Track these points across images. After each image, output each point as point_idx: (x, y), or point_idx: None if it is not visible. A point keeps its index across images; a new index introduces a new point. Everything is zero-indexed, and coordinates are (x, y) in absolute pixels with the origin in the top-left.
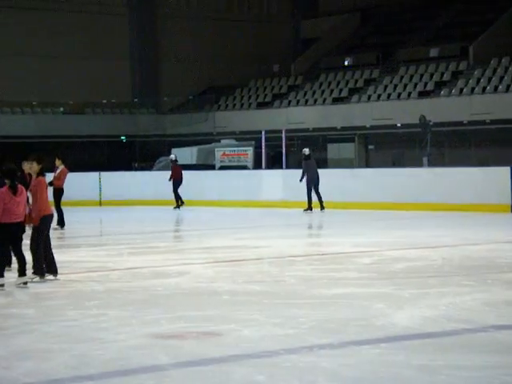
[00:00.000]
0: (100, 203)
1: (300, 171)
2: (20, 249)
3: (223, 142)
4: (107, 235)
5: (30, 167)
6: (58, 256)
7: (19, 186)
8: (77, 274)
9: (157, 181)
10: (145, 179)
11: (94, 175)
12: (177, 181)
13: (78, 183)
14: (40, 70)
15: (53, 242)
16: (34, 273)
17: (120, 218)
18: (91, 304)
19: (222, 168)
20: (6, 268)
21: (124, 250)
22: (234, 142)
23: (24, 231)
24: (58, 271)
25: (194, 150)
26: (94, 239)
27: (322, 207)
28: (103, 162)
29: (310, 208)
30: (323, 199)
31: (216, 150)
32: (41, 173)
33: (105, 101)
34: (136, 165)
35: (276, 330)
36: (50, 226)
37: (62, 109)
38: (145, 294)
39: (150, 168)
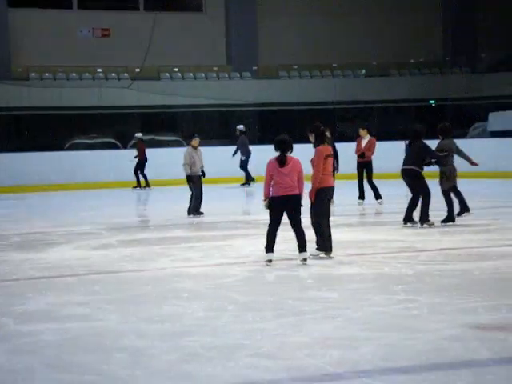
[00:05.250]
0: None
1: None
2: (297, 223)
3: None
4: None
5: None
6: (362, 235)
7: (289, 157)
8: (383, 255)
9: (472, 150)
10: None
11: (399, 144)
12: (142, 161)
13: (382, 153)
14: (339, 28)
15: (359, 219)
16: (317, 249)
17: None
18: (399, 288)
19: None
20: None
21: (434, 229)
22: None
23: (301, 204)
24: (362, 251)
25: None
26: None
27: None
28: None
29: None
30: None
31: None
32: (319, 142)
33: (412, 60)
34: None
35: None
36: (327, 200)
37: (363, 71)
38: (459, 279)
39: (463, 136)
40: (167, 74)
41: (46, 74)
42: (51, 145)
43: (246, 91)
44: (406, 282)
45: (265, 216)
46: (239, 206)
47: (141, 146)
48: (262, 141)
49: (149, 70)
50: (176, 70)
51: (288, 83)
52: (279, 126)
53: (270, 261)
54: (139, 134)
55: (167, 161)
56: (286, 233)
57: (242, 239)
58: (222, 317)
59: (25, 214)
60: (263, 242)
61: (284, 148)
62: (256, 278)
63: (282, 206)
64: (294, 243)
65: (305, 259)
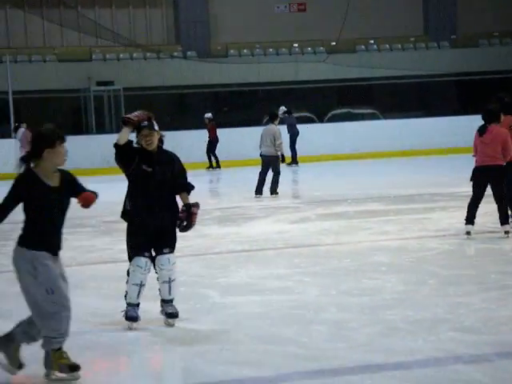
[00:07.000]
0: None
1: None
2: (499, 194)
3: None
4: None
5: None
6: None
7: (493, 127)
8: None
9: None
10: None
11: None
12: (213, 141)
13: None
14: None
15: None
16: (502, 224)
17: None
18: None
19: None
20: None
21: None
22: None
23: (504, 175)
24: None
25: None
26: None
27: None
28: None
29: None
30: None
31: None
32: (503, 112)
33: None
34: None
35: None
36: None
37: None
38: None
39: None
40: (363, 47)
41: (244, 51)
42: (250, 120)
43: (444, 61)
44: None
45: (466, 188)
46: (436, 178)
47: (211, 127)
48: (458, 112)
49: (344, 43)
50: (372, 41)
51: (488, 51)
52: (478, 97)
53: (468, 233)
54: (209, 115)
55: (367, 134)
56: (489, 205)
57: (440, 212)
58: (423, 290)
59: (224, 188)
60: (463, 214)
61: (486, 118)
62: (456, 251)
63: (482, 176)
64: (496, 216)
65: (507, 232)
